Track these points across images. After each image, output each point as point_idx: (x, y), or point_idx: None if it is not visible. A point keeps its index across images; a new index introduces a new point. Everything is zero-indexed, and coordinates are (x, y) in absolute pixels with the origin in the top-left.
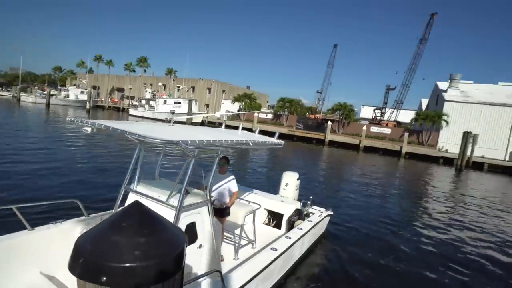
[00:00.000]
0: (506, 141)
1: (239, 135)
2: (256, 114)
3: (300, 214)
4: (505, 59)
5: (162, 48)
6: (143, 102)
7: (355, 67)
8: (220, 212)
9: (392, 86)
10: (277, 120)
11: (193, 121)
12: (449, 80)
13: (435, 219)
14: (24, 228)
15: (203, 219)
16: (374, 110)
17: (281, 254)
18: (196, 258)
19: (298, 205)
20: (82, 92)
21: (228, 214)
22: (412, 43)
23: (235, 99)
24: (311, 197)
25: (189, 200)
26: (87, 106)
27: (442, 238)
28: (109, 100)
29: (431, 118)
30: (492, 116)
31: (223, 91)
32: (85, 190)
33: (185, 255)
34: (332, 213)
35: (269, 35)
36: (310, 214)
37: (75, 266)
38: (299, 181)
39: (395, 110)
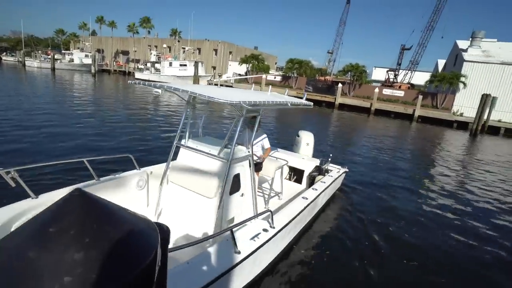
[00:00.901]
0: None
1: (276, 96)
2: (264, 77)
3: (320, 171)
4: None
5: (164, 6)
6: (149, 65)
7: (368, 25)
8: (255, 166)
9: (407, 45)
10: (286, 82)
11: (199, 83)
12: (470, 39)
13: (444, 183)
14: (92, 178)
15: (245, 171)
16: (387, 71)
17: (310, 203)
18: (239, 204)
19: (317, 162)
20: (86, 56)
21: (261, 168)
22: None
23: (243, 61)
24: (330, 155)
25: (236, 154)
26: (92, 70)
27: (450, 200)
28: (115, 63)
29: (448, 80)
30: None
31: (230, 53)
32: (137, 147)
33: (159, 266)
34: (347, 170)
35: None
36: (329, 171)
37: None
38: (314, 140)
39: (410, 71)
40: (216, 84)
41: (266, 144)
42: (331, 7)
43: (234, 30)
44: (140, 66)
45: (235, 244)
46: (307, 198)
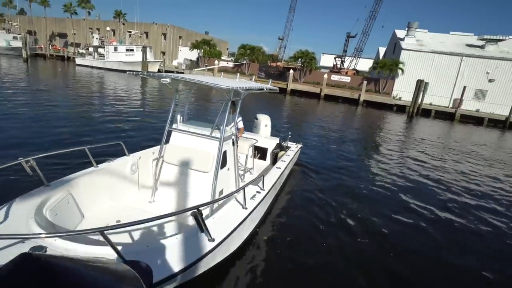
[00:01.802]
0: (451, 89)
1: (252, 83)
2: (216, 62)
3: (281, 147)
4: (459, 7)
5: None
6: (91, 49)
7: (317, 13)
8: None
9: (352, 33)
10: (239, 69)
11: (149, 70)
12: (407, 29)
13: (384, 157)
14: (91, 165)
15: (230, 149)
16: (335, 58)
17: (283, 170)
18: (226, 178)
19: (277, 140)
20: (15, 38)
21: (237, 146)
22: None
23: (194, 46)
24: (289, 133)
25: (225, 133)
26: (24, 55)
27: (387, 169)
28: (51, 47)
29: (388, 67)
30: (441, 64)
31: (180, 37)
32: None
33: None
34: (302, 145)
35: None
36: (289, 147)
37: None
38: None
39: (355, 58)
40: (172, 71)
41: (240, 124)
42: None
43: (183, 14)
44: (81, 51)
45: (245, 201)
46: (280, 168)
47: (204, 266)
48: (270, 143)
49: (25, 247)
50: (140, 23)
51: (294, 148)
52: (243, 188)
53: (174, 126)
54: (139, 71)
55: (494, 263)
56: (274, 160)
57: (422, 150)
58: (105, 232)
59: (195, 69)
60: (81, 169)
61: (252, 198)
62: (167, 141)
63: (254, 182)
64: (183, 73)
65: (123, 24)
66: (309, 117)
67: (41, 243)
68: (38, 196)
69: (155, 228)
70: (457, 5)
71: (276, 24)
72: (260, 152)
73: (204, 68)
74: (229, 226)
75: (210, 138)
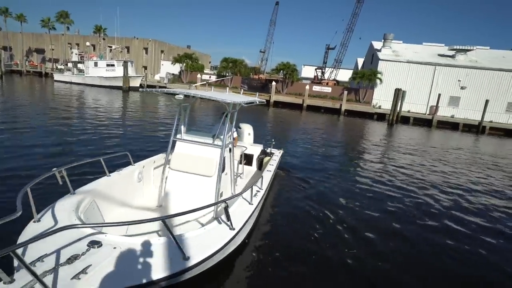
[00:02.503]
0: (427, 96)
1: (245, 97)
2: (199, 76)
3: (266, 153)
4: (431, 19)
5: (84, 1)
6: (70, 65)
7: (297, 26)
8: None
9: (331, 45)
10: (222, 82)
11: (131, 85)
12: (383, 40)
13: (367, 162)
14: (104, 174)
15: (228, 155)
16: (315, 69)
17: (273, 173)
18: (225, 181)
19: (261, 147)
20: None
21: (233, 153)
22: (351, 3)
23: (176, 60)
24: (273, 140)
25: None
26: None
27: (368, 169)
28: (27, 63)
29: (367, 77)
30: (417, 73)
31: (162, 52)
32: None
33: None
34: (283, 151)
35: None
36: (273, 153)
37: None
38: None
39: (335, 69)
40: (154, 86)
41: (235, 134)
42: (261, 8)
43: (165, 29)
44: (59, 67)
45: (251, 199)
46: (270, 171)
47: (227, 251)
48: (255, 150)
49: (83, 242)
50: (121, 38)
51: (277, 154)
52: (251, 187)
53: (178, 136)
54: (153, 89)
55: (477, 268)
56: (260, 165)
57: (403, 155)
58: (165, 220)
59: (194, 85)
60: (95, 177)
61: (255, 195)
62: (172, 150)
63: (256, 182)
64: (165, 87)
65: (104, 39)
66: (293, 126)
67: (94, 238)
68: (70, 203)
69: (185, 220)
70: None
71: (258, 37)
72: (246, 159)
73: (205, 82)
74: (242, 218)
75: (213, 146)
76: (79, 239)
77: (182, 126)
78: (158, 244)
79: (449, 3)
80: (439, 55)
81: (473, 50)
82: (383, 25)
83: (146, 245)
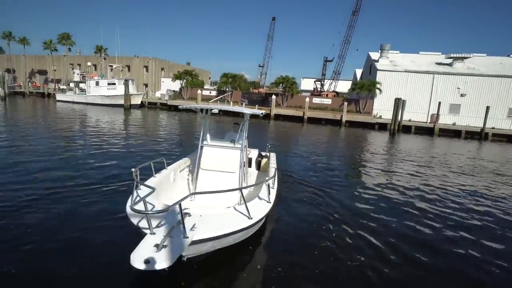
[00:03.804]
0: (427, 105)
1: (244, 108)
2: (199, 92)
3: (262, 156)
4: (426, 30)
5: (85, 22)
6: (72, 85)
7: (294, 40)
8: None
9: (329, 57)
10: (223, 96)
11: (132, 102)
12: (379, 51)
13: (371, 172)
14: (152, 175)
15: (243, 156)
16: (314, 81)
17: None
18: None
19: (257, 151)
20: None
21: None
22: (347, 15)
23: (176, 77)
24: (268, 144)
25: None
26: (1, 93)
27: (372, 182)
28: (30, 84)
29: (366, 87)
30: (416, 82)
31: (162, 69)
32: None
33: None
34: (275, 154)
35: (205, 8)
36: (268, 156)
37: None
38: None
39: (334, 81)
40: (155, 103)
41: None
42: (259, 23)
43: (164, 46)
44: (62, 87)
45: (269, 197)
46: (276, 168)
47: (245, 235)
48: (253, 153)
49: (177, 218)
50: (121, 57)
51: (273, 156)
52: (268, 182)
53: (205, 142)
54: (193, 106)
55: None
56: (258, 166)
57: (408, 163)
58: (242, 190)
59: (210, 101)
60: (146, 178)
61: (269, 193)
62: (200, 154)
63: (271, 179)
64: (166, 103)
65: (105, 58)
66: (295, 138)
67: (185, 211)
68: (143, 194)
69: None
70: (423, 28)
71: (256, 51)
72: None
73: (218, 99)
74: (263, 210)
75: (234, 148)
76: (175, 212)
77: (208, 135)
78: (229, 211)
79: (442, 12)
80: (437, 63)
81: (470, 57)
82: (380, 35)
83: (219, 213)
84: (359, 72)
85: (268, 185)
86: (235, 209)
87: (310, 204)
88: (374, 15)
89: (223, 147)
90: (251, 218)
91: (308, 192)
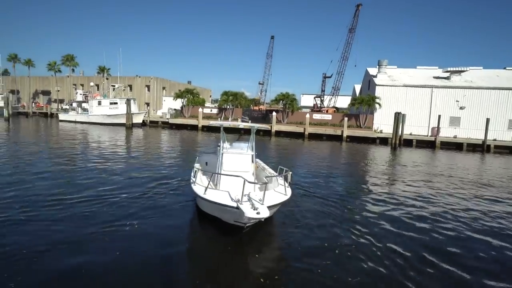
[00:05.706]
0: (427, 118)
1: (254, 124)
2: (200, 110)
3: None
4: (422, 45)
5: (88, 44)
6: (75, 105)
7: (292, 57)
8: None
9: (328, 74)
10: (223, 114)
11: (134, 121)
12: (377, 66)
13: (375, 185)
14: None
15: (254, 159)
16: (314, 97)
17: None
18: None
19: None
20: None
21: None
22: (344, 33)
23: (177, 96)
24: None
25: (253, 151)
26: (5, 114)
27: (375, 197)
28: (34, 105)
29: (366, 102)
30: (415, 96)
31: (163, 88)
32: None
33: None
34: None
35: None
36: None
37: None
38: None
39: (333, 96)
40: (157, 121)
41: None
42: (258, 42)
43: (165, 65)
44: (64, 107)
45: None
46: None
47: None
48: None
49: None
50: (123, 77)
51: (259, 160)
52: (286, 175)
53: (224, 150)
54: (213, 121)
55: None
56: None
57: (411, 177)
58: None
59: (220, 120)
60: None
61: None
62: (221, 159)
63: (281, 174)
64: (168, 122)
65: (107, 78)
66: (296, 154)
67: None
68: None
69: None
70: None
71: (256, 69)
72: None
73: (221, 118)
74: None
75: (247, 153)
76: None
77: (227, 143)
78: (269, 192)
79: (438, 26)
80: (434, 77)
81: (466, 70)
82: (377, 51)
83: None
84: (358, 88)
85: (285, 176)
86: (274, 190)
87: (321, 215)
88: (370, 31)
89: (240, 154)
90: (286, 195)
91: (320, 205)
